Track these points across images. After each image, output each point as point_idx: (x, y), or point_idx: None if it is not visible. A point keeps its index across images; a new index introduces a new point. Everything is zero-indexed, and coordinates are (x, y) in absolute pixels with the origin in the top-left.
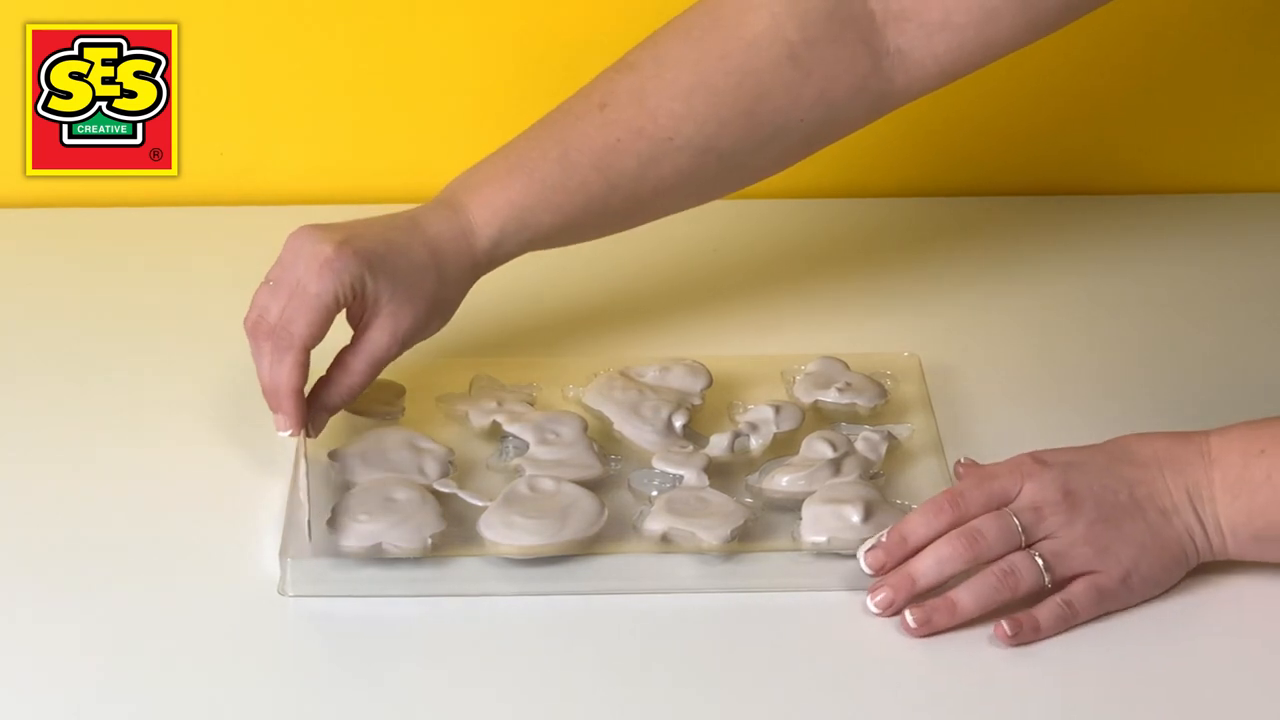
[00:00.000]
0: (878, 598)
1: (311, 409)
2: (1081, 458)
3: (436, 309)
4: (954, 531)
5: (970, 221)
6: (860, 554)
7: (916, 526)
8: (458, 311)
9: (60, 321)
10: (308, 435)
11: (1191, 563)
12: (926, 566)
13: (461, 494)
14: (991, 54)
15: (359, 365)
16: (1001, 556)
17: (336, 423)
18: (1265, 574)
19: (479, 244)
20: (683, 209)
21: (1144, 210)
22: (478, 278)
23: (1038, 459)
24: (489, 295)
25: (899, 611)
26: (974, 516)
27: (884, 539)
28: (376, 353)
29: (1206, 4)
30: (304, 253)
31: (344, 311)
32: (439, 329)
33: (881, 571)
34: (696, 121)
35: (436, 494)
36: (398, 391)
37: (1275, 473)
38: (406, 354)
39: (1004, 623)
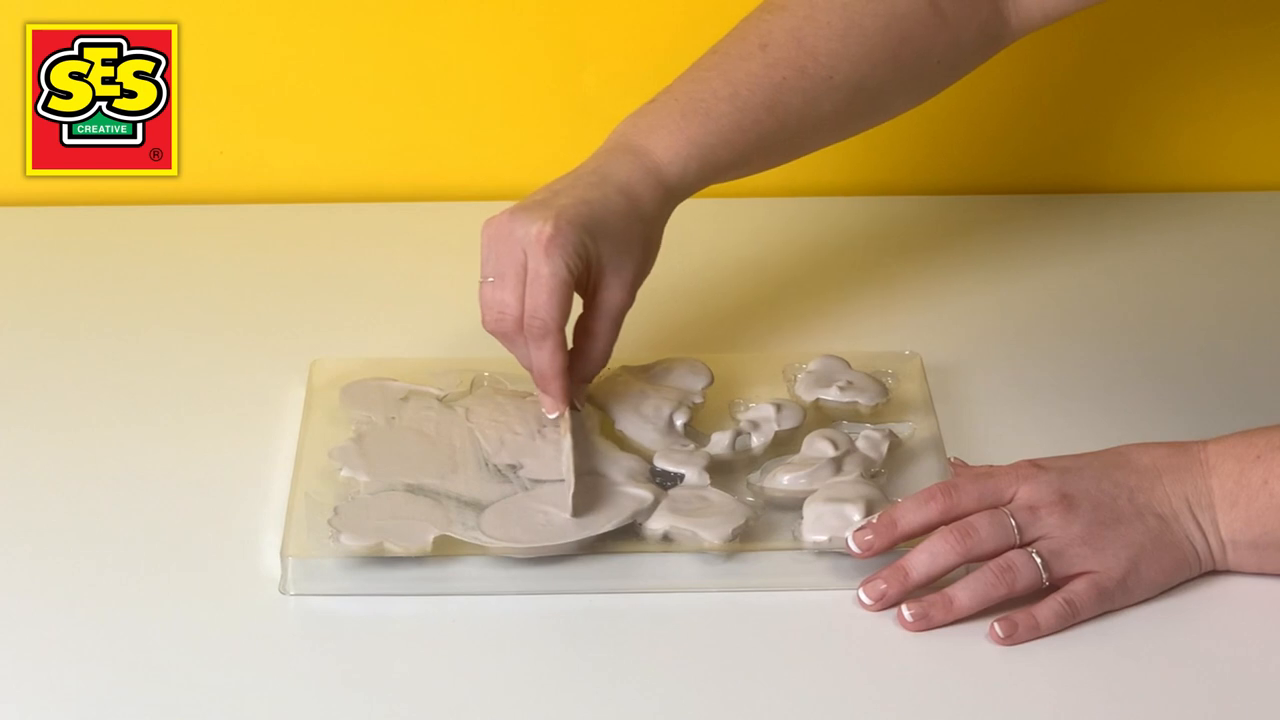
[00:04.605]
0: (870, 588)
1: (572, 384)
2: (1079, 464)
3: (648, 248)
4: (947, 526)
5: (971, 220)
6: (849, 535)
7: (907, 512)
8: (457, 311)
9: (60, 321)
10: (574, 409)
11: (1193, 570)
12: (920, 560)
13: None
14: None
15: (604, 328)
16: (996, 554)
17: (337, 422)
18: (1264, 574)
19: (668, 179)
20: (828, 144)
21: (1145, 209)
22: (673, 208)
23: (1035, 464)
24: None
25: (891, 604)
26: (966, 508)
27: (874, 521)
28: (615, 310)
29: (1207, 3)
30: (520, 238)
31: None
32: (653, 263)
33: (869, 552)
34: (851, 61)
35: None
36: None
37: (1272, 479)
38: (406, 355)
39: (996, 625)
